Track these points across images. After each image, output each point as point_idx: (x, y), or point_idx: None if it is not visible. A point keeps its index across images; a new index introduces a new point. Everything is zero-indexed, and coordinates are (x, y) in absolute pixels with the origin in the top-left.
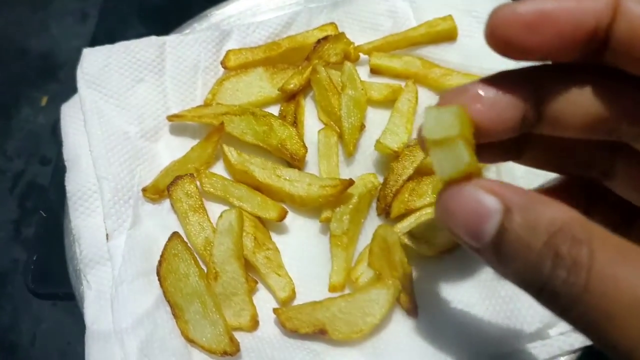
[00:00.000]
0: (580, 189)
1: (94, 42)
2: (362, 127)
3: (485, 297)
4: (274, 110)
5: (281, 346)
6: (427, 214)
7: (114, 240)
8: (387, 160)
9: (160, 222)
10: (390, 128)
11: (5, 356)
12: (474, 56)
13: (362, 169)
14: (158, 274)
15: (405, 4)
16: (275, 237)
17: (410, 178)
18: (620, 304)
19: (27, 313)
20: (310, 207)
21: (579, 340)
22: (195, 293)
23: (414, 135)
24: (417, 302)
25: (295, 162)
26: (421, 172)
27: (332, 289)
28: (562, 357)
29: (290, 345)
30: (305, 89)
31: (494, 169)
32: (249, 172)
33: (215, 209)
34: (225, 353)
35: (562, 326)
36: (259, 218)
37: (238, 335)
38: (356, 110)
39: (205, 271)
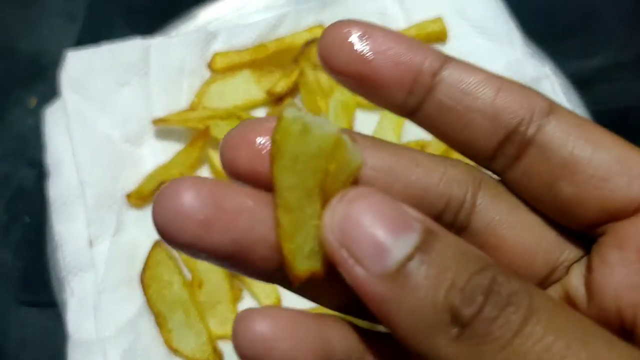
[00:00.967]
0: None
1: (80, 42)
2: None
3: None
4: (261, 113)
5: None
6: None
7: (97, 247)
8: None
9: (144, 228)
10: (379, 131)
11: None
12: (464, 58)
13: None
14: (141, 281)
15: (394, 6)
16: None
17: None
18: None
19: (15, 318)
20: None
21: None
22: (178, 301)
23: (403, 139)
24: None
25: None
26: None
27: None
28: None
29: None
30: (292, 91)
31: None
32: None
33: None
34: None
35: None
36: None
37: (222, 345)
38: (344, 113)
39: (190, 279)
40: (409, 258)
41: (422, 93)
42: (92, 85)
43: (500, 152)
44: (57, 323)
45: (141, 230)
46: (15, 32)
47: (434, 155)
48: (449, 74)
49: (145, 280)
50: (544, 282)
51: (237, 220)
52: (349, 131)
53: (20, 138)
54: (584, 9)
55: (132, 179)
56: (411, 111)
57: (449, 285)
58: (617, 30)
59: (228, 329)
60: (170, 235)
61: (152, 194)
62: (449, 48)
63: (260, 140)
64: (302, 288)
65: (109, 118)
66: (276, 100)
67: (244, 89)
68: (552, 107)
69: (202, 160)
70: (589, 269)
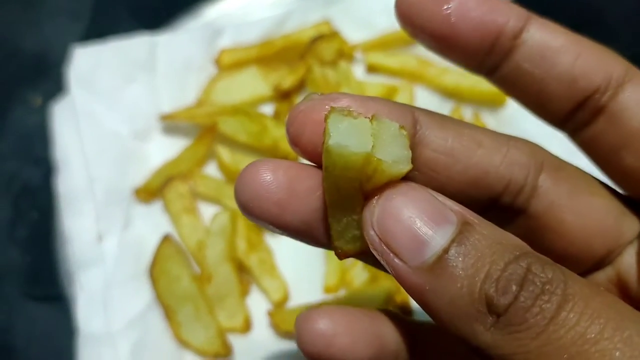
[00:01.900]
0: None
1: (86, 39)
2: None
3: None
4: (268, 109)
5: (274, 348)
6: None
7: (106, 242)
8: None
9: (153, 223)
10: None
11: (2, 357)
12: None
13: None
14: (150, 276)
15: None
16: (268, 239)
17: None
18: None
19: (23, 314)
20: None
21: None
22: (187, 295)
23: None
24: (412, 304)
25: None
26: None
27: (326, 290)
28: None
29: (284, 348)
30: (299, 88)
31: None
32: None
33: (208, 210)
34: (217, 355)
35: None
36: None
37: (231, 337)
38: None
39: (198, 273)
40: (446, 250)
41: (502, 55)
42: (99, 81)
43: (572, 116)
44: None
45: (149, 225)
46: (19, 31)
47: (498, 134)
48: (530, 37)
49: (154, 274)
50: (601, 264)
51: (306, 203)
52: (417, 110)
53: (26, 136)
54: (587, 9)
55: (140, 175)
56: (488, 71)
57: (485, 276)
58: (621, 31)
59: (236, 322)
60: (250, 213)
61: (159, 190)
62: None
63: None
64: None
65: (116, 114)
66: (283, 96)
67: (251, 85)
68: (629, 74)
69: (210, 155)
70: None
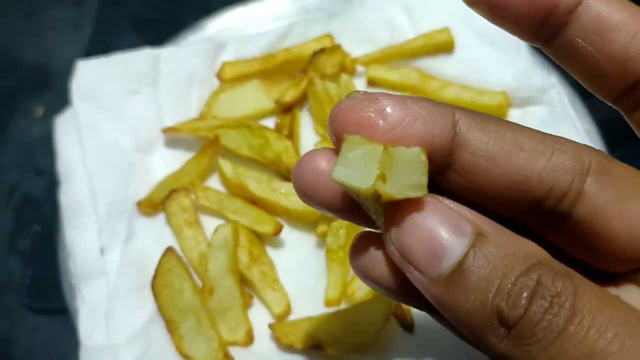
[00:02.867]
0: None
1: (89, 52)
2: None
3: None
4: (270, 122)
5: None
6: None
7: (109, 255)
8: None
9: (155, 236)
10: None
11: None
12: (472, 68)
13: None
14: (152, 289)
15: (402, 16)
16: (270, 252)
17: None
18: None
19: (23, 326)
20: (306, 221)
21: None
22: (190, 308)
23: None
24: (414, 317)
25: (290, 175)
26: None
27: (328, 303)
28: None
29: None
30: (301, 101)
31: None
32: (245, 186)
33: (210, 223)
34: None
35: None
36: (255, 232)
37: (233, 351)
38: None
39: (200, 286)
40: (460, 263)
41: (556, 28)
42: (102, 94)
43: (626, 96)
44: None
45: (152, 238)
46: (21, 42)
47: (543, 135)
48: (586, 12)
49: (157, 287)
50: None
51: None
52: (458, 110)
53: (27, 147)
54: None
55: (143, 187)
56: (542, 42)
57: (496, 289)
58: None
59: (239, 335)
60: (309, 200)
61: (162, 202)
62: (456, 58)
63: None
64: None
65: (119, 127)
66: (285, 109)
67: (253, 99)
68: None
69: (212, 168)
70: None
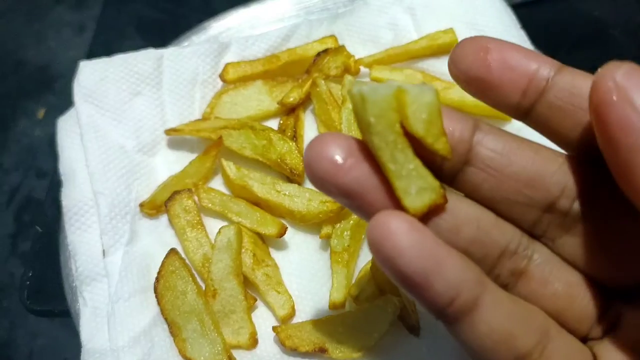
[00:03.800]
0: None
1: (91, 54)
2: None
3: None
4: (273, 124)
5: None
6: None
7: (111, 257)
8: None
9: (158, 238)
10: None
11: None
12: None
13: None
14: (155, 291)
15: (406, 17)
16: (274, 253)
17: None
18: None
19: (24, 328)
20: (310, 223)
21: None
22: (193, 311)
23: None
24: (419, 320)
25: (294, 177)
26: None
27: (332, 306)
28: None
29: None
30: (305, 102)
31: None
32: (248, 187)
33: (213, 225)
34: None
35: None
36: (258, 234)
37: (237, 354)
38: (356, 124)
39: (204, 288)
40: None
41: (535, 95)
42: (105, 95)
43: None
44: (66, 333)
45: (154, 240)
46: (24, 43)
47: (556, 150)
48: (561, 79)
49: (159, 289)
50: None
51: (364, 168)
52: (474, 119)
53: (29, 149)
54: (592, 23)
55: (146, 189)
56: (525, 112)
57: None
58: (626, 44)
59: (242, 338)
60: (321, 187)
61: (165, 204)
62: None
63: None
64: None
65: (122, 128)
66: (288, 110)
67: (256, 100)
68: None
69: (215, 170)
70: None
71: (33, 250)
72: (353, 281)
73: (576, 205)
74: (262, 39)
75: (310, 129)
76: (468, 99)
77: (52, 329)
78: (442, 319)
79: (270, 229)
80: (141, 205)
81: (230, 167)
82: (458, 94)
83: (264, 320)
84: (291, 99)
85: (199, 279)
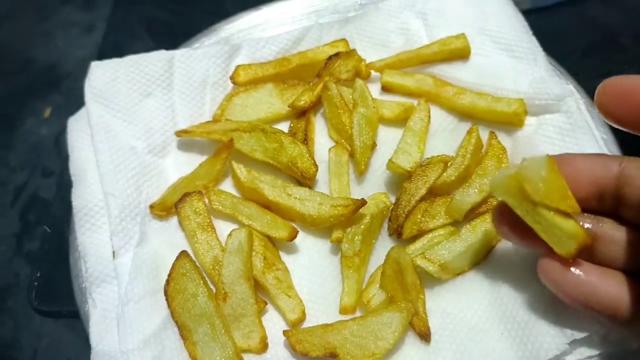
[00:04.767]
0: None
1: (101, 54)
2: (373, 145)
3: (500, 322)
4: (284, 127)
5: None
6: (440, 235)
7: (121, 258)
8: (399, 179)
9: (168, 240)
10: (403, 147)
11: None
12: (487, 75)
13: (373, 188)
14: (166, 293)
15: (417, 21)
16: (284, 257)
17: (422, 198)
18: None
19: (28, 328)
20: (321, 227)
21: None
22: (203, 314)
23: (427, 155)
24: (430, 326)
25: (305, 180)
26: (434, 193)
27: (343, 311)
28: None
29: None
30: (315, 105)
31: None
32: (259, 190)
33: (223, 227)
34: None
35: (579, 353)
36: (269, 237)
37: (247, 358)
38: (368, 128)
39: (214, 291)
40: None
41: None
42: (116, 95)
43: None
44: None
45: (164, 241)
46: (32, 42)
47: None
48: None
49: (170, 292)
50: None
51: None
52: (625, 158)
53: (35, 148)
54: (602, 29)
55: (156, 190)
56: None
57: None
58: (636, 51)
59: (252, 343)
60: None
61: (175, 206)
62: (472, 64)
63: None
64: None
65: (132, 129)
66: (299, 114)
67: (267, 102)
68: None
69: (226, 172)
70: None
71: (41, 251)
72: (363, 286)
73: None
74: (273, 42)
75: (320, 132)
76: (479, 104)
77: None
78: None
79: (281, 232)
80: (151, 206)
81: (240, 169)
82: (469, 100)
83: (273, 324)
84: (302, 102)
85: (209, 282)
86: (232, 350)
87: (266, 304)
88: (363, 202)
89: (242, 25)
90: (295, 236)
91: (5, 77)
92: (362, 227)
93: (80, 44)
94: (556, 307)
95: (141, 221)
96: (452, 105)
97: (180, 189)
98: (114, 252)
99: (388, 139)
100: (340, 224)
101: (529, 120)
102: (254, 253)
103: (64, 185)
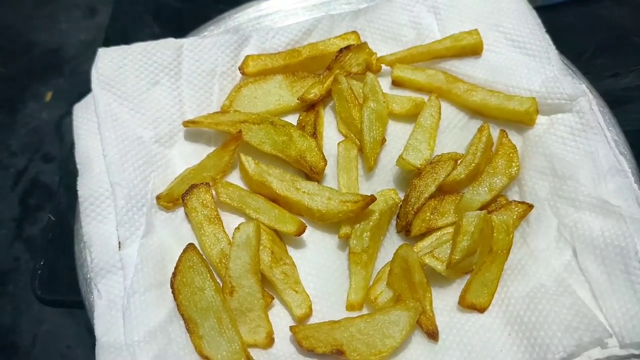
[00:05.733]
0: None
1: (107, 40)
2: (383, 141)
3: (507, 322)
4: (292, 119)
5: None
6: (448, 233)
7: (127, 249)
8: (408, 176)
9: (174, 231)
10: (413, 144)
11: (7, 357)
12: (499, 72)
13: (382, 184)
14: (172, 286)
15: (429, 16)
16: (291, 252)
17: (432, 196)
18: None
19: (28, 314)
20: (329, 222)
21: None
22: (210, 308)
23: (437, 152)
24: (438, 325)
25: (314, 174)
26: (444, 190)
27: (350, 307)
28: None
29: None
30: (325, 99)
31: (516, 188)
32: (267, 184)
33: (230, 220)
34: None
35: (586, 356)
36: (276, 231)
37: (252, 352)
38: (378, 123)
39: (221, 285)
40: None
41: None
42: (123, 83)
43: None
44: (70, 320)
45: (171, 233)
46: (34, 25)
47: None
48: None
49: (176, 285)
50: None
51: None
52: None
53: (35, 132)
54: (615, 29)
55: (162, 181)
56: None
57: None
58: None
59: (259, 337)
60: None
61: (182, 197)
62: (484, 61)
63: None
64: None
65: (139, 118)
66: (308, 107)
67: (277, 94)
68: None
69: (233, 164)
70: None
71: (45, 239)
72: (370, 283)
73: None
74: (283, 32)
75: (329, 126)
76: (491, 102)
77: (56, 316)
78: None
79: (289, 227)
80: (158, 197)
81: (249, 162)
82: (481, 97)
83: (280, 319)
84: (312, 95)
85: (215, 276)
86: (239, 344)
87: (273, 298)
88: (373, 199)
89: (251, 15)
90: (304, 231)
91: (6, 60)
92: (371, 223)
93: (83, 27)
94: (563, 308)
95: (147, 212)
96: (463, 102)
97: (188, 180)
98: (119, 242)
99: (398, 134)
100: (349, 220)
101: (541, 119)
102: (261, 247)
103: (68, 173)
